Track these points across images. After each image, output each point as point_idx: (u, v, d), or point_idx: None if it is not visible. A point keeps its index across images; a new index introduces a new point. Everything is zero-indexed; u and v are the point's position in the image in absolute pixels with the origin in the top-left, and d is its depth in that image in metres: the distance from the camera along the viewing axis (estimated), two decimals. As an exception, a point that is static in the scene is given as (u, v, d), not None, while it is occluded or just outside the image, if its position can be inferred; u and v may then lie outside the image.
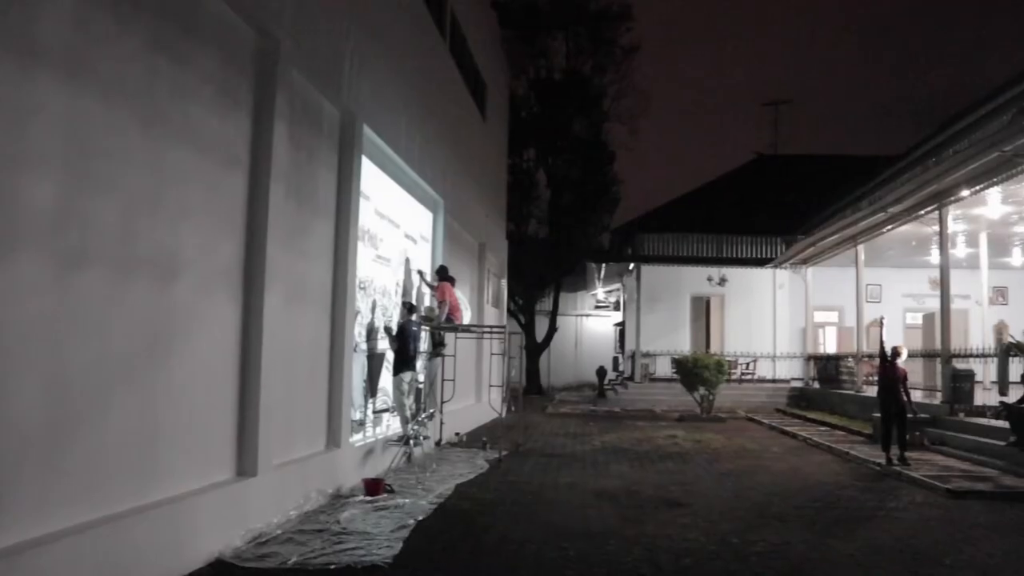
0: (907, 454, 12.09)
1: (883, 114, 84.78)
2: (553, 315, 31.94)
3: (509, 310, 28.02)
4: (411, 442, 11.28)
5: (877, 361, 21.60)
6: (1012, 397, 11.86)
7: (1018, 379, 12.26)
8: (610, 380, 28.01)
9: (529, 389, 29.93)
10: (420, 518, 7.98)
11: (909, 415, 12.28)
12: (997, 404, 12.63)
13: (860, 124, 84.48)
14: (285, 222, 7.79)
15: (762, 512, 8.81)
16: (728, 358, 24.17)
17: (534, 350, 31.53)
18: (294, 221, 8.21)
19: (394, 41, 11.85)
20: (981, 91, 15.57)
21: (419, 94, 13.19)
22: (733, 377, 24.30)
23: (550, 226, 31.85)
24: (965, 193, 14.57)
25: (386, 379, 11.62)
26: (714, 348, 25.80)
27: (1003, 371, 13.83)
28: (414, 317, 11.83)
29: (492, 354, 17.58)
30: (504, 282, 23.76)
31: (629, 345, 27.45)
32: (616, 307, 34.56)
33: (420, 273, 13.53)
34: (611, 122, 32.03)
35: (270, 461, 7.44)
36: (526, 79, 31.04)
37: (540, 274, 31.04)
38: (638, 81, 42.97)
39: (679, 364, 21.53)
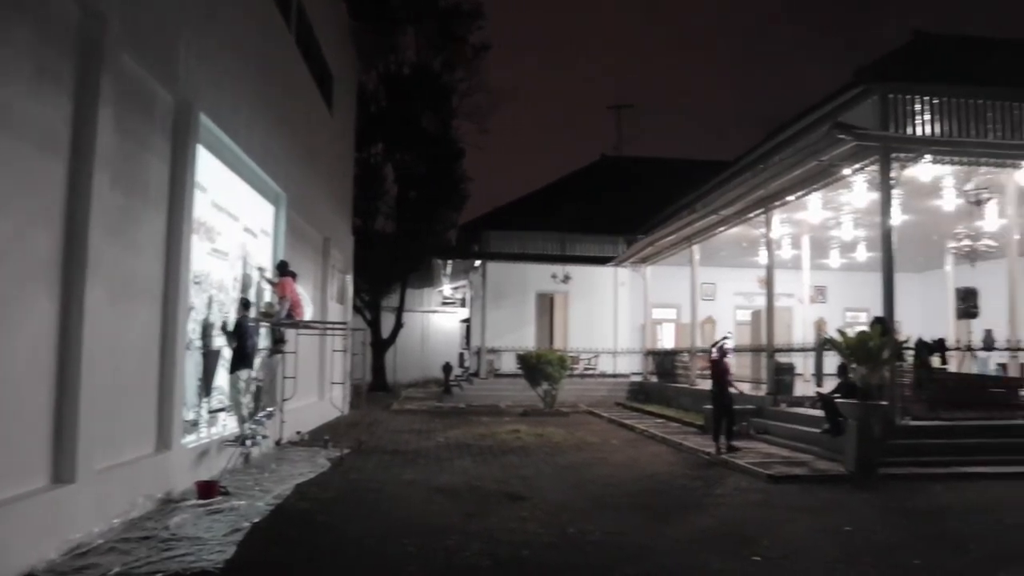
0: (734, 443, 12.90)
1: (722, 122, 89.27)
2: (399, 311, 31.71)
3: (355, 306, 27.61)
4: (248, 442, 10.93)
5: (709, 356, 22.87)
6: (827, 389, 12.78)
7: (832, 372, 13.21)
8: (456, 376, 28.08)
9: (374, 386, 29.62)
10: (256, 520, 7.76)
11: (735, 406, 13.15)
12: (814, 395, 13.58)
13: (700, 130, 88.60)
14: (111, 212, 7.37)
15: (599, 502, 9.11)
16: (571, 354, 24.79)
17: (380, 346, 31.22)
18: (122, 212, 7.77)
19: (234, 27, 11.42)
20: (804, 105, 16.69)
21: (261, 83, 12.77)
22: (576, 372, 24.94)
23: (397, 222, 31.58)
24: (789, 198, 15.57)
25: (223, 377, 11.20)
26: (558, 344, 26.39)
27: (819, 364, 14.91)
28: (252, 313, 11.47)
29: (334, 351, 17.29)
30: (349, 278, 23.40)
31: (475, 341, 27.66)
32: (463, 303, 34.73)
33: (260, 270, 13.14)
34: (460, 119, 32.16)
35: (91, 466, 7.01)
36: (376, 73, 30.66)
37: (387, 270, 30.72)
38: (488, 79, 43.21)
39: (523, 360, 21.89)
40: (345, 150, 23.62)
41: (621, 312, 27.49)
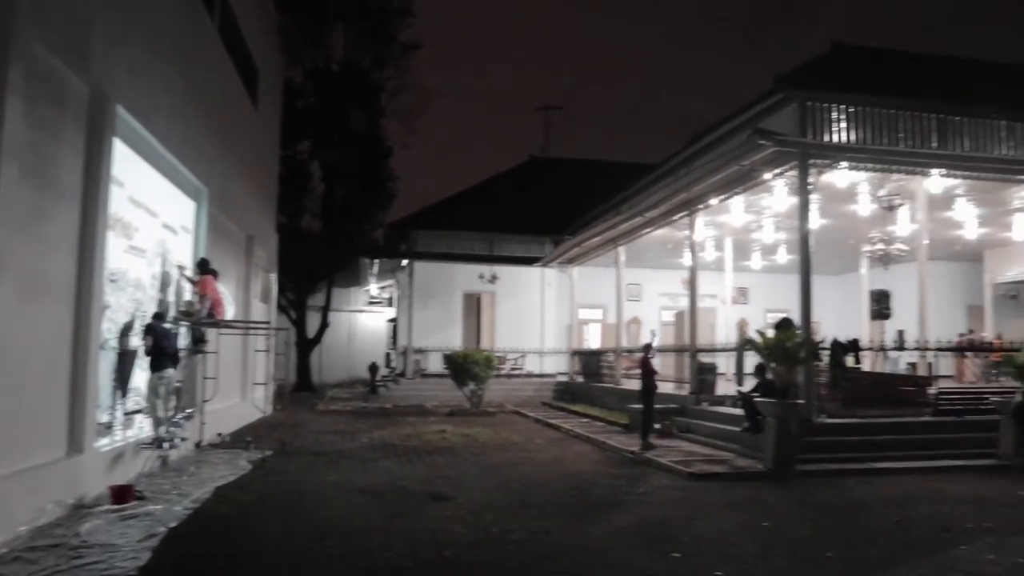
0: (658, 441, 13.21)
1: (649, 125, 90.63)
2: (325, 310, 31.29)
3: (280, 305, 27.16)
4: (166, 445, 10.63)
5: (636, 356, 23.24)
6: (748, 388, 13.08)
7: (751, 371, 13.52)
8: (383, 376, 27.88)
9: (299, 386, 29.19)
10: (172, 525, 7.56)
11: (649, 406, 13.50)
12: (734, 394, 13.89)
13: (628, 133, 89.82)
14: (19, 207, 7.09)
15: (523, 502, 9.14)
16: (498, 354, 24.82)
17: (305, 346, 30.77)
18: (31, 207, 7.48)
19: (153, 16, 11.10)
20: (729, 109, 17.07)
21: (183, 76, 12.44)
22: (502, 372, 24.99)
23: (324, 220, 31.16)
24: (712, 201, 15.90)
25: (140, 378, 10.87)
26: (485, 344, 26.41)
27: (739, 364, 15.25)
28: (171, 313, 11.17)
29: (257, 351, 16.97)
30: (274, 276, 23.00)
31: (402, 341, 27.50)
32: (390, 303, 34.49)
33: (180, 268, 12.81)
34: (389, 118, 31.89)
35: (-6, 471, 6.73)
36: (303, 69, 30.17)
37: (313, 269, 30.29)
38: (417, 78, 43.01)
39: (450, 360, 21.84)
40: (270, 146, 23.20)
41: (548, 312, 27.68)
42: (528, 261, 27.44)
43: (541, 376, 26.53)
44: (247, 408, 16.96)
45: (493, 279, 26.96)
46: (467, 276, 27.19)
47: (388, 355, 32.39)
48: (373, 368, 27.14)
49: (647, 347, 14.46)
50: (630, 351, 23.44)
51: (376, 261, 30.54)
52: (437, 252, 27.34)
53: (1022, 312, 25.02)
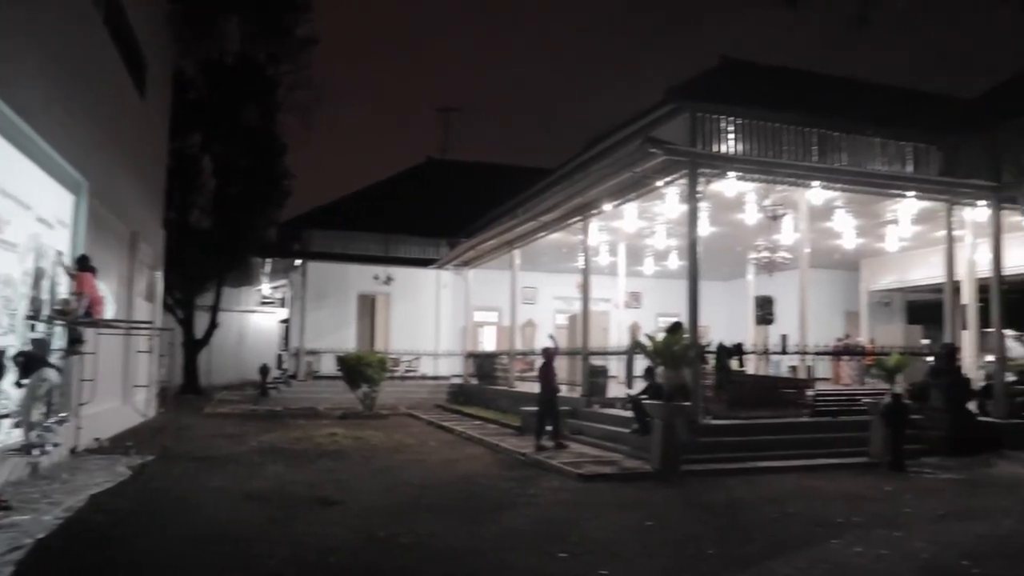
0: (549, 443, 13.37)
1: (549, 130, 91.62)
2: (215, 310, 30.29)
3: (166, 304, 26.13)
4: (36, 451, 10.08)
5: (531, 359, 23.49)
6: (637, 390, 13.37)
7: (641, 374, 13.84)
8: (274, 378, 27.22)
9: (186, 388, 28.17)
10: (40, 536, 7.16)
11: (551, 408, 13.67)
12: (624, 396, 14.17)
13: (526, 137, 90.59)
14: None
15: (413, 505, 9.08)
16: (392, 356, 24.62)
17: (193, 347, 29.72)
18: None
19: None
20: (623, 119, 17.42)
21: (62, 61, 11.83)
22: (396, 374, 24.80)
23: (215, 217, 30.18)
24: (606, 207, 16.19)
25: (7, 381, 10.27)
26: (379, 346, 26.16)
27: (629, 367, 15.58)
28: (45, 311, 10.61)
29: (139, 352, 16.31)
30: (160, 274, 22.14)
31: (294, 342, 26.95)
32: (283, 303, 33.75)
33: (59, 253, 12.14)
34: (284, 114, 31.13)
35: None
36: (195, 60, 29.16)
37: (203, 267, 29.29)
38: (315, 74, 42.16)
39: (343, 361, 21.52)
40: (158, 139, 22.35)
41: (443, 314, 27.64)
42: (424, 263, 27.34)
43: (436, 378, 26.45)
44: (128, 412, 16.27)
45: (388, 280, 26.73)
46: (362, 277, 26.89)
47: (280, 357, 31.67)
48: (264, 370, 26.46)
49: (548, 350, 14.67)
50: (524, 354, 23.64)
51: (269, 260, 29.80)
52: (332, 252, 26.93)
53: (894, 318, 26.45)
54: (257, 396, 25.13)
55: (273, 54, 30.31)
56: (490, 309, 27.68)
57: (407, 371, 26.34)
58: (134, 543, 7.12)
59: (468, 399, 23.62)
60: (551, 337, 16.01)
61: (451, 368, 26.90)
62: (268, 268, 31.09)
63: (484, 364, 24.32)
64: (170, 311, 27.86)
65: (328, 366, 24.82)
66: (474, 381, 24.68)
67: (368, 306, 27.41)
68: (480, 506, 9.10)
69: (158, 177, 22.49)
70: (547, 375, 14.24)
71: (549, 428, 13.94)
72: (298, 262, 26.98)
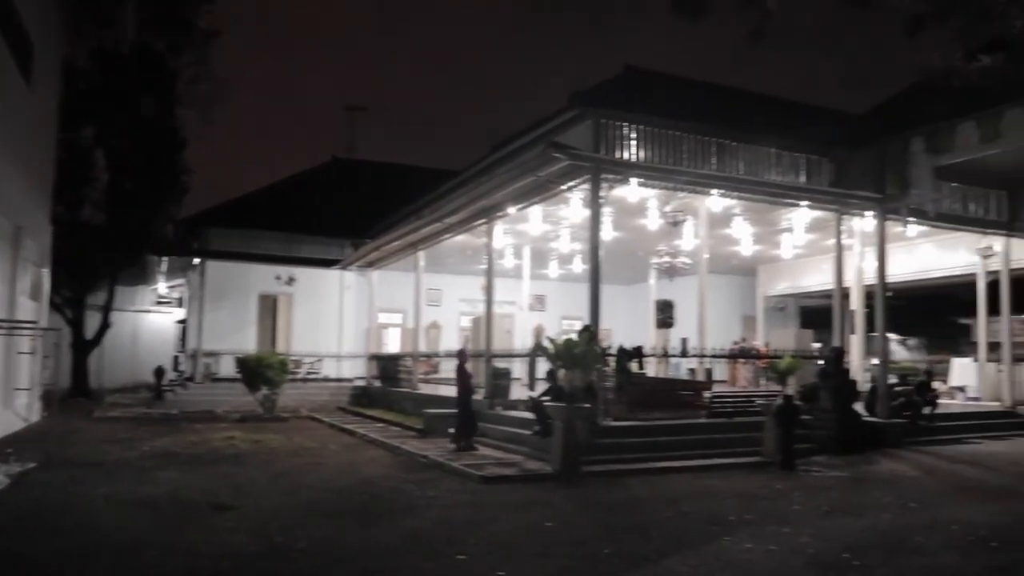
0: (452, 445, 13.42)
1: (454, 132, 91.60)
2: (107, 310, 29.08)
3: (53, 304, 24.97)
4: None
5: (435, 361, 23.47)
6: (539, 392, 13.47)
7: (543, 376, 13.96)
8: (170, 380, 26.34)
9: (75, 392, 26.95)
10: (-93, 547, 6.76)
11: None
12: (526, 398, 14.28)
13: (433, 139, 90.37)
14: None
15: (312, 509, 8.94)
16: (294, 357, 24.19)
17: (83, 348, 28.45)
18: None
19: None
20: (528, 122, 17.53)
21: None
22: (298, 376, 24.39)
23: (109, 212, 28.97)
24: (511, 210, 16.29)
25: None
26: (281, 347, 25.64)
27: (531, 369, 15.71)
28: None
29: (20, 353, 15.52)
30: (47, 272, 21.14)
31: (192, 343, 26.16)
32: (180, 303, 32.71)
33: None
34: (184, 107, 30.13)
35: None
36: (89, 48, 27.91)
37: (95, 265, 28.09)
38: (218, 67, 40.97)
39: (242, 363, 20.98)
40: (46, 129, 21.32)
41: (347, 316, 27.30)
42: (328, 263, 26.94)
43: (339, 380, 26.09)
44: (8, 417, 15.47)
45: (291, 281, 26.26)
46: (263, 277, 26.34)
47: (176, 358, 30.68)
48: (159, 372, 25.56)
49: (463, 352, 14.67)
50: (428, 356, 23.57)
51: (165, 259, 28.83)
52: (232, 251, 26.26)
53: (788, 322, 27.48)
54: (151, 399, 24.26)
55: (173, 45, 29.32)
56: (394, 311, 27.48)
57: (309, 373, 25.90)
58: (14, 555, 6.77)
59: (371, 401, 23.39)
60: (466, 339, 16.07)
61: (354, 370, 26.57)
62: (165, 267, 30.08)
63: (388, 366, 24.12)
64: (58, 310, 26.63)
65: (227, 368, 24.17)
66: (377, 383, 24.45)
67: (270, 307, 26.85)
68: (380, 509, 9.02)
69: (46, 170, 21.46)
70: (462, 377, 14.25)
71: (451, 430, 13.95)
72: (196, 261, 26.20)
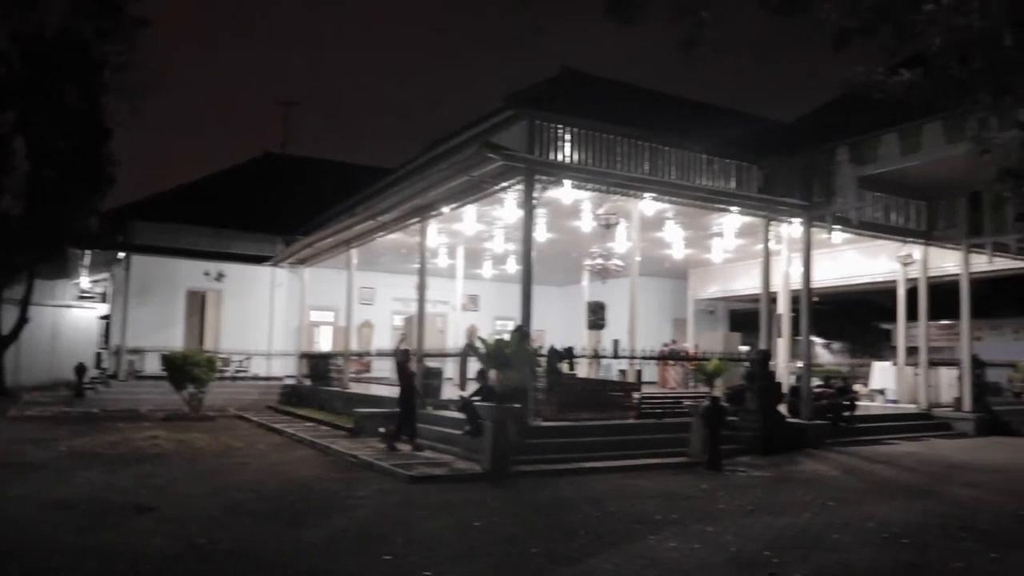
0: (383, 445, 13.33)
1: (394, 130, 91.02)
2: (25, 304, 28.08)
3: (-34, 297, 24.04)
4: None
5: (367, 360, 23.28)
6: (470, 392, 13.48)
7: (474, 376, 13.96)
8: (92, 378, 25.56)
9: (-11, 389, 26.01)
10: None
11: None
12: (457, 398, 14.26)
13: (372, 136, 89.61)
14: None
15: (236, 510, 8.79)
16: (222, 355, 23.72)
17: (-2, 344, 27.47)
18: None
19: None
20: (465, 121, 17.52)
21: None
22: (227, 374, 23.92)
23: (28, 203, 27.94)
24: (445, 209, 16.26)
25: None
26: (209, 345, 25.12)
27: (463, 369, 15.70)
28: None
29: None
30: (-39, 264, 20.34)
31: (115, 340, 25.43)
32: (104, 299, 31.77)
33: None
34: (111, 96, 29.23)
35: None
36: (8, 31, 26.89)
37: (12, 258, 27.08)
38: (147, 56, 39.85)
39: (168, 361, 20.47)
40: (-38, 117, 20.52)
41: (277, 313, 26.88)
42: (259, 260, 26.50)
43: (268, 379, 25.67)
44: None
45: (220, 277, 25.73)
46: (192, 273, 25.76)
47: (99, 355, 29.80)
48: (80, 369, 24.77)
49: (404, 351, 14.50)
50: (360, 355, 23.37)
51: (88, 252, 27.95)
52: (159, 246, 25.58)
53: (718, 325, 28.00)
54: (72, 397, 23.48)
55: (101, 30, 28.44)
56: (326, 309, 27.13)
57: (238, 371, 25.43)
58: (-85, 558, 6.52)
59: (301, 400, 23.06)
60: (403, 336, 15.99)
61: (285, 369, 26.16)
62: (88, 260, 29.17)
63: (319, 365, 23.81)
64: (-30, 304, 25.64)
65: (153, 366, 23.58)
66: (308, 382, 24.11)
67: (198, 303, 26.26)
68: (306, 510, 8.90)
69: (-38, 158, 20.66)
70: (404, 377, 14.09)
71: (382, 430, 13.85)
72: (121, 255, 25.47)
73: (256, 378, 25.65)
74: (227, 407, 21.80)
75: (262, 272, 26.59)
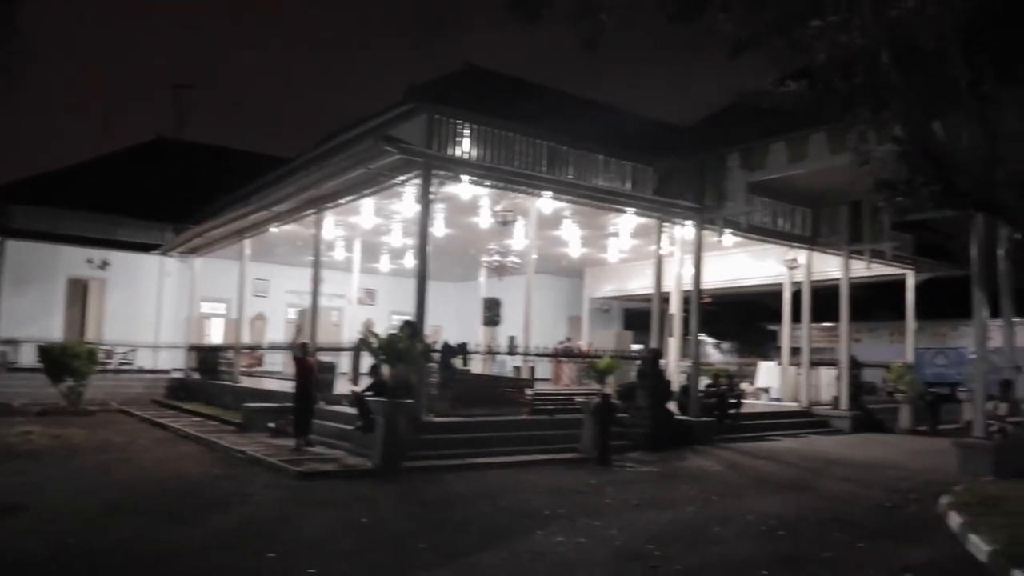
0: (273, 440, 13.18)
1: (292, 119, 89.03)
2: None
3: None
4: None
5: (259, 354, 22.77)
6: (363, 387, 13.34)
7: (367, 371, 13.81)
8: (-40, 369, 24.16)
9: None
10: None
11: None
12: (349, 393, 14.10)
13: (277, 126, 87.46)
14: None
15: (115, 508, 8.50)
16: (106, 347, 22.79)
17: None
18: None
19: None
20: (359, 114, 17.35)
21: None
22: (109, 367, 22.99)
23: None
24: (341, 201, 16.08)
25: None
26: (91, 336, 24.06)
27: (356, 364, 15.55)
28: None
29: None
30: None
31: (-12, 331, 24.09)
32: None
33: None
34: (-12, 72, 27.65)
35: None
36: None
37: None
38: (28, 30, 37.81)
39: (45, 352, 19.51)
40: None
41: (166, 304, 25.94)
42: (147, 248, 25.51)
43: (154, 372, 24.77)
44: None
45: (104, 265, 24.70)
46: (74, 260, 24.62)
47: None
48: (-53, 360, 23.42)
49: (304, 346, 14.12)
50: (252, 348, 22.83)
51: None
52: (37, 230, 24.31)
53: (613, 324, 28.52)
54: (-63, 390, 22.14)
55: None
56: (218, 300, 26.38)
57: (122, 364, 24.46)
58: None
59: (189, 394, 22.36)
60: (298, 329, 15.64)
61: (173, 361, 25.28)
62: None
63: (208, 358, 23.12)
64: None
65: (29, 357, 22.41)
66: (197, 376, 23.40)
67: (80, 292, 25.09)
68: (190, 507, 8.65)
69: None
70: (302, 370, 13.68)
71: (272, 425, 13.57)
72: (-5, 240, 24.14)
73: (142, 371, 24.73)
74: (109, 401, 20.93)
75: (150, 261, 25.62)
